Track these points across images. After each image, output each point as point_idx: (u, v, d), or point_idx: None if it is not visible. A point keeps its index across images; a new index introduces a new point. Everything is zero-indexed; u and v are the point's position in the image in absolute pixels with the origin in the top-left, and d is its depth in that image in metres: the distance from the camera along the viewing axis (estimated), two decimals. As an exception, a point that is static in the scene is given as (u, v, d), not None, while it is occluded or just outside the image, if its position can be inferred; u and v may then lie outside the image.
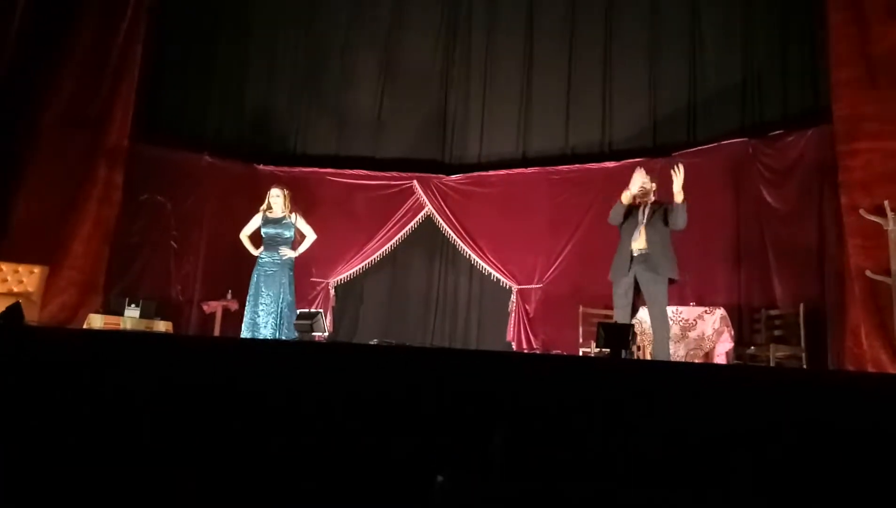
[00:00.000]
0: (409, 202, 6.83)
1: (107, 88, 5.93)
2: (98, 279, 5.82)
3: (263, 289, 5.17)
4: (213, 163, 6.79)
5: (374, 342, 5.31)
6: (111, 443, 2.06)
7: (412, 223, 6.82)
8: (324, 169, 7.00)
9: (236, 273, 6.64)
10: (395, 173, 6.90)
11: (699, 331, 5.11)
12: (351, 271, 6.78)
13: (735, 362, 5.21)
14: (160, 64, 6.64)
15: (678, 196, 4.42)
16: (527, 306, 6.44)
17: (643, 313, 5.33)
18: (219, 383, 2.27)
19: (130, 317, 5.82)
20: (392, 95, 7.29)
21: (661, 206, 4.64)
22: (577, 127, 6.86)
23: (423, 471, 1.68)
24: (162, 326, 6.01)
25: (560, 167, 6.63)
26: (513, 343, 6.37)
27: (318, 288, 6.73)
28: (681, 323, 5.19)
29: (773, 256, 5.59)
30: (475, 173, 6.88)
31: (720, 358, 5.06)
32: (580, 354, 5.57)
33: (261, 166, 6.99)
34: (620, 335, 3.78)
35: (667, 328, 4.48)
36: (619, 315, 4.63)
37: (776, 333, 5.36)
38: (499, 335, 6.54)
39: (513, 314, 6.46)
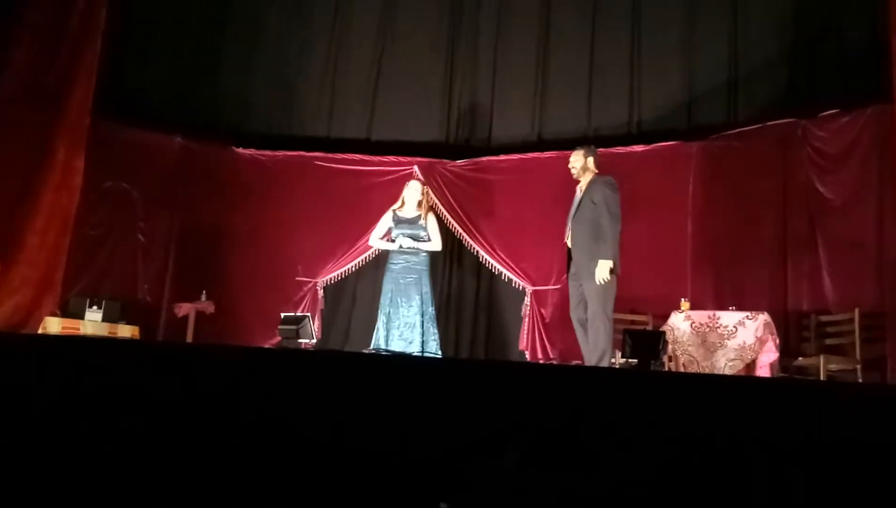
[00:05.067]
0: (409, 191, 6.83)
1: (66, 59, 5.92)
2: (55, 277, 5.82)
3: (403, 300, 5.26)
4: (186, 145, 6.80)
5: (368, 350, 5.32)
6: (72, 464, 2.07)
7: (412, 215, 6.82)
8: (311, 152, 6.99)
9: (212, 271, 6.66)
10: (392, 158, 6.89)
11: (739, 339, 5.10)
12: (342, 270, 6.78)
13: (780, 375, 5.20)
14: (126, 32, 6.63)
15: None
16: (542, 311, 6.43)
17: (675, 319, 5.34)
18: (194, 395, 2.28)
19: (91, 321, 5.84)
20: (389, 68, 7.26)
21: (591, 190, 4.71)
22: (600, 105, 6.82)
23: (425, 498, 1.69)
24: (127, 331, 6.03)
25: (588, 145, 6.61)
26: (526, 353, 6.37)
27: (305, 289, 6.74)
28: (719, 330, 5.19)
29: (825, 253, 5.57)
30: (484, 158, 6.86)
31: (763, 370, 5.04)
32: (603, 365, 5.57)
33: (240, 150, 6.99)
34: (649, 343, 3.80)
35: (603, 336, 4.51)
36: (572, 315, 4.74)
37: (828, 342, 5.34)
38: (511, 344, 6.54)
39: (526, 320, 6.45)
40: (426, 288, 5.36)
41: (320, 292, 6.76)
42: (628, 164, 6.28)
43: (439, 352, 5.34)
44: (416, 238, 5.36)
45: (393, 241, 5.44)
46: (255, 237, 6.78)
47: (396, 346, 5.15)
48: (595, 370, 4.00)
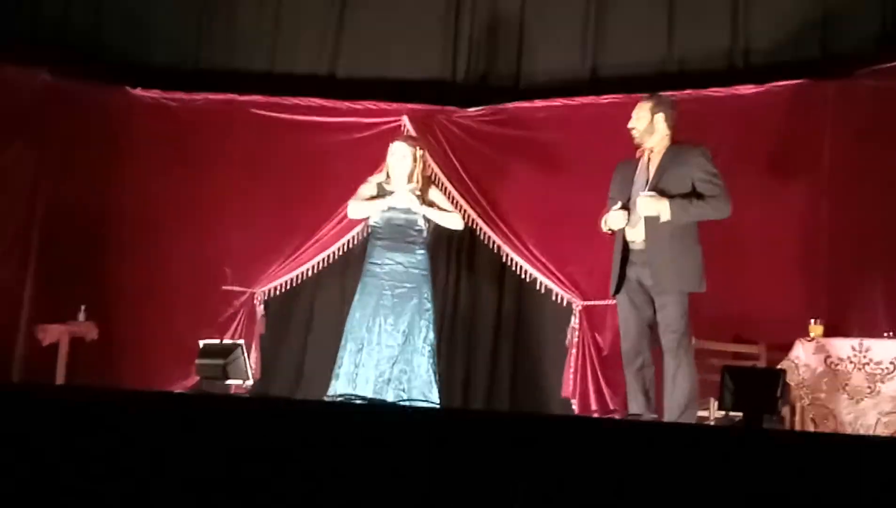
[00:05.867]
0: (396, 155, 6.86)
1: None
2: None
3: (389, 321, 5.23)
4: (56, 84, 6.80)
5: (332, 397, 5.33)
6: None
7: (401, 191, 6.85)
8: (245, 95, 6.99)
9: (95, 277, 6.66)
10: (371, 104, 6.90)
11: (900, 382, 5.12)
12: (293, 275, 6.79)
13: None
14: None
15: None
16: (598, 338, 6.43)
17: (801, 351, 5.33)
18: (68, 464, 2.28)
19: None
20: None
21: (679, 162, 4.75)
22: (686, 27, 6.82)
23: None
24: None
25: (659, 95, 6.61)
26: (573, 402, 6.37)
27: (237, 303, 6.74)
28: (868, 368, 5.19)
29: None
30: (510, 104, 6.85)
31: (936, 430, 5.06)
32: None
33: (138, 91, 6.99)
34: (762, 387, 3.80)
35: (688, 378, 4.61)
36: (625, 348, 4.84)
37: None
38: (549, 388, 6.54)
39: (573, 351, 6.45)
40: (427, 303, 5.31)
41: (260, 309, 6.76)
42: (730, 113, 6.28)
43: (435, 396, 5.30)
44: (408, 226, 5.29)
45: (373, 226, 5.37)
46: (162, 226, 6.78)
47: (368, 391, 5.10)
48: (680, 428, 4.00)
